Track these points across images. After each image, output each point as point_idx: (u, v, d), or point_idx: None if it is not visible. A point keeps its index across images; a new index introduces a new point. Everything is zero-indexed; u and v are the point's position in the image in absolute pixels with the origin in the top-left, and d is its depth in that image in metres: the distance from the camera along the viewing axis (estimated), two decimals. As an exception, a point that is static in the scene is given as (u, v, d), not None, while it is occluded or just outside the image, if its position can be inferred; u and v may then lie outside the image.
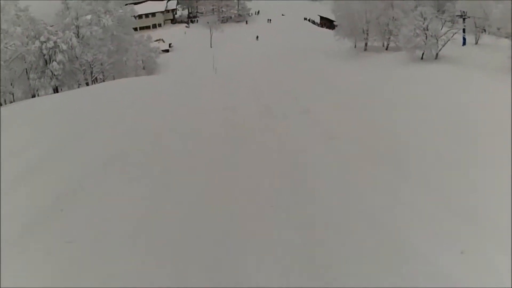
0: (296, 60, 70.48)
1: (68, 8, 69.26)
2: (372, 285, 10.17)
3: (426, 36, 53.82)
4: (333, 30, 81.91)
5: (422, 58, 55.74)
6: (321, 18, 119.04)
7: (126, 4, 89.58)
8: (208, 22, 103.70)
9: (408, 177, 15.69)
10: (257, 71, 61.87)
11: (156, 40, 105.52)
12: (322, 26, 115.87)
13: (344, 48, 77.43)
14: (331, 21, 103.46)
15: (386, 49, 72.67)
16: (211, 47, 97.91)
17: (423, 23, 54.07)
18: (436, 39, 53.85)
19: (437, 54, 54.68)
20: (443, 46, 54.26)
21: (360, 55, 70.77)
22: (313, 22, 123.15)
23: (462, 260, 10.80)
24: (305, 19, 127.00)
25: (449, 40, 53.99)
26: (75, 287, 10.62)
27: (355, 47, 78.01)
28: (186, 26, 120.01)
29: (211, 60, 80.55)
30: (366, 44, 74.92)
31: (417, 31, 54.32)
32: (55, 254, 11.96)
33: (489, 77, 36.00)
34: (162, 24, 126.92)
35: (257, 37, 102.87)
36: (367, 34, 73.81)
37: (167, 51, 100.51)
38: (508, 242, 11.28)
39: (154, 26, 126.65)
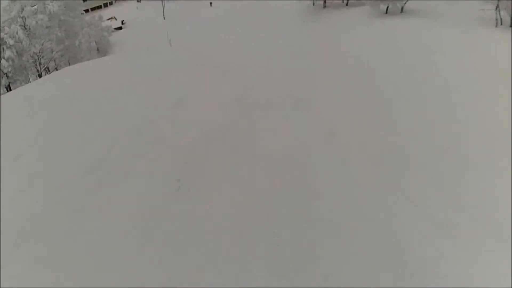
0: (255, 24, 67.46)
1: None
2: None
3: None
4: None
5: (386, 12, 53.43)
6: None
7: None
8: None
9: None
10: (213, 40, 59.48)
11: (108, 19, 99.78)
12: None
13: (301, 7, 74.91)
14: None
15: (346, 4, 70.00)
16: (164, 19, 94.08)
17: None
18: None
19: (402, 8, 52.43)
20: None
21: (321, 14, 68.70)
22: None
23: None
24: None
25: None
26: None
27: (313, 4, 75.16)
28: (138, 1, 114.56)
29: (165, 33, 77.47)
30: (325, 1, 71.93)
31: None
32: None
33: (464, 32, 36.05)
34: (113, 2, 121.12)
35: (211, 3, 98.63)
36: None
37: (120, 28, 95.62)
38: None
39: (106, 5, 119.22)
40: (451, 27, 38.18)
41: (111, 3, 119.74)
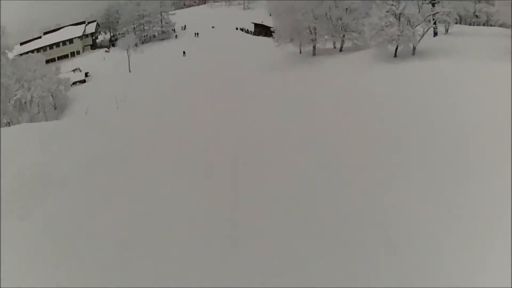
0: (229, 78, 55.38)
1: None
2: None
3: (400, 25, 40.10)
4: (272, 37, 68.68)
5: (395, 55, 41.96)
6: (256, 25, 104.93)
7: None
8: (128, 48, 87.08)
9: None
10: (181, 96, 48.49)
11: (73, 70, 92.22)
12: (257, 35, 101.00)
13: (287, 56, 64.06)
14: (267, 28, 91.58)
15: (340, 50, 59.01)
16: (130, 71, 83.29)
17: (397, 7, 39.84)
18: (412, 26, 40.46)
19: (414, 49, 41.07)
20: (423, 36, 40.96)
21: (310, 62, 57.51)
22: (247, 31, 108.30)
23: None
24: (237, 29, 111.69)
25: (429, 28, 41.25)
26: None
27: (300, 52, 64.46)
28: (106, 51, 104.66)
29: (126, 87, 66.60)
30: (314, 47, 61.25)
31: (390, 18, 40.02)
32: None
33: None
34: (81, 51, 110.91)
35: (184, 52, 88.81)
36: (315, 34, 59.80)
37: (83, 81, 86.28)
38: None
39: (73, 54, 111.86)
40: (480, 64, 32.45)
41: (78, 52, 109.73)
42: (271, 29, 71.29)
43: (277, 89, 40.56)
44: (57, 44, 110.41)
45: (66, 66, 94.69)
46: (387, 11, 41.71)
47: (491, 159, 17.28)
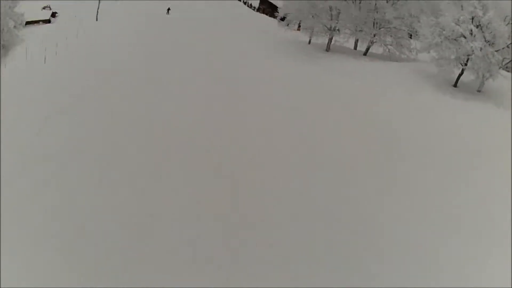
0: (212, 60, 41.42)
1: None
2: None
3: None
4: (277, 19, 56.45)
5: (456, 85, 29.01)
6: (261, 1, 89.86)
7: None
8: None
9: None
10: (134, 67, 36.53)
11: (44, 7, 77.31)
12: (262, 12, 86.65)
13: (292, 43, 50.60)
14: (274, 7, 77.39)
15: (365, 54, 45.99)
16: (96, 20, 69.74)
17: (483, 13, 26.77)
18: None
19: (483, 83, 28.40)
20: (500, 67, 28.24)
21: (319, 58, 44.00)
22: (250, 6, 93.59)
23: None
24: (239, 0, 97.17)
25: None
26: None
27: (309, 42, 50.94)
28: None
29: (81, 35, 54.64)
30: (330, 40, 47.34)
31: (470, 26, 27.05)
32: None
33: None
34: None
35: (168, 10, 75.47)
36: (336, 21, 45.68)
37: (48, 21, 73.27)
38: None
39: None
40: None
41: None
42: (278, 9, 57.97)
43: (267, 88, 31.76)
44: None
45: (40, 2, 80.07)
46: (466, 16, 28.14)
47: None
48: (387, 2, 43.54)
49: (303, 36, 51.97)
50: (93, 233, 15.70)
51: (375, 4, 43.81)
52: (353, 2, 45.22)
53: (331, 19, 45.54)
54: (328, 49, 46.92)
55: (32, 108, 26.41)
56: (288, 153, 22.58)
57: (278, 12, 55.43)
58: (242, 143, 23.73)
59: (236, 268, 14.24)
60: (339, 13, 45.34)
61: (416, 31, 42.63)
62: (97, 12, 70.54)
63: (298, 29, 60.16)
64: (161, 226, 16.49)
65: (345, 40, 46.58)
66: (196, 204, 18.14)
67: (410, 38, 45.59)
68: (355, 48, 48.23)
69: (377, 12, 44.01)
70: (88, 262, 14.24)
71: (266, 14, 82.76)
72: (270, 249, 15.12)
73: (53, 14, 74.91)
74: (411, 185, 20.61)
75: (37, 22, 70.53)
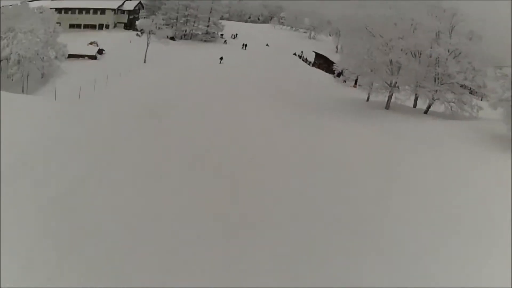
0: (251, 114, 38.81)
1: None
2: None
3: None
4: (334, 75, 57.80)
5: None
6: (317, 56, 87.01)
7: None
8: (147, 33, 71.98)
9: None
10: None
11: (91, 43, 77.48)
12: (317, 67, 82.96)
13: (349, 101, 47.73)
14: (330, 62, 75.81)
15: (426, 112, 41.81)
16: (144, 62, 68.00)
17: None
18: None
19: None
20: None
21: (379, 117, 39.67)
22: (305, 60, 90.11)
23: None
24: (294, 54, 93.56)
25: None
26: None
27: (367, 100, 48.16)
28: (137, 35, 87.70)
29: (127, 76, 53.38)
30: (390, 98, 43.76)
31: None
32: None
33: None
34: (111, 26, 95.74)
35: (221, 59, 73.04)
36: (397, 76, 42.11)
37: (94, 57, 71.79)
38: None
39: (102, 26, 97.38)
40: None
41: (108, 27, 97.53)
42: (334, 65, 57.48)
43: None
44: (87, 10, 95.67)
45: (88, 37, 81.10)
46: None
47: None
48: (449, 54, 39.75)
49: (360, 93, 48.82)
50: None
51: (437, 58, 40.07)
52: (412, 56, 41.95)
53: (391, 74, 40.99)
54: (387, 107, 41.95)
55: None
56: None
57: (334, 68, 52.11)
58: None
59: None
60: (399, 67, 40.96)
61: (479, 86, 40.88)
62: (146, 54, 68.94)
63: (355, 86, 56.36)
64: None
65: (406, 97, 42.08)
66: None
67: (471, 94, 42.32)
68: (415, 106, 44.37)
69: (438, 66, 40.33)
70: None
71: (322, 69, 79.08)
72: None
73: (100, 51, 73.17)
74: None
75: (82, 56, 69.36)
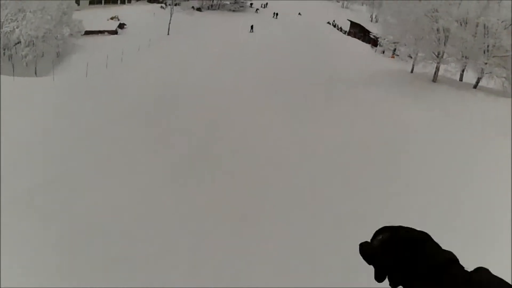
0: (287, 87, 37.53)
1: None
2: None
3: None
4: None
5: None
6: (352, 24, 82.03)
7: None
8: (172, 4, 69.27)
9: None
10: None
11: (111, 18, 74.28)
12: (352, 35, 78.35)
13: (390, 72, 42.47)
14: (366, 31, 72.67)
15: (475, 86, 37.48)
16: (168, 34, 65.42)
17: None
18: None
19: None
20: None
21: (426, 91, 35.93)
22: (340, 29, 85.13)
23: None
24: (328, 23, 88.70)
25: None
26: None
27: (411, 71, 43.50)
28: (162, 7, 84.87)
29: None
30: (437, 70, 39.24)
31: None
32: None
33: None
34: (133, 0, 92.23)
35: (252, 27, 70.68)
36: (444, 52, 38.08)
37: (115, 32, 69.19)
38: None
39: (123, 1, 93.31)
40: None
41: (129, 1, 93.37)
42: (370, 34, 56.25)
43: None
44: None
45: (110, 12, 77.68)
46: None
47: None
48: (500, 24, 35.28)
49: (399, 64, 45.44)
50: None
51: (487, 28, 35.44)
52: (460, 25, 37.31)
53: (438, 43, 36.45)
54: (435, 79, 37.22)
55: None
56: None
57: (371, 36, 47.52)
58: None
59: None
60: (447, 37, 35.85)
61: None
62: (169, 26, 66.38)
63: (392, 57, 52.62)
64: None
65: (456, 69, 37.42)
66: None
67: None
68: (461, 79, 40.08)
69: (488, 37, 35.65)
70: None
71: (358, 38, 74.26)
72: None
73: (121, 25, 69.88)
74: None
75: (102, 32, 66.87)
